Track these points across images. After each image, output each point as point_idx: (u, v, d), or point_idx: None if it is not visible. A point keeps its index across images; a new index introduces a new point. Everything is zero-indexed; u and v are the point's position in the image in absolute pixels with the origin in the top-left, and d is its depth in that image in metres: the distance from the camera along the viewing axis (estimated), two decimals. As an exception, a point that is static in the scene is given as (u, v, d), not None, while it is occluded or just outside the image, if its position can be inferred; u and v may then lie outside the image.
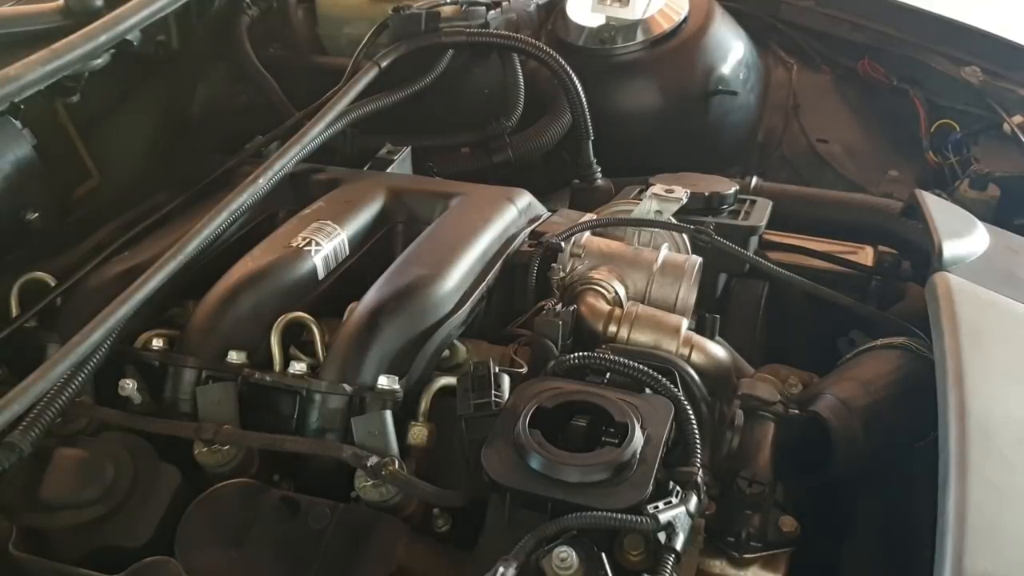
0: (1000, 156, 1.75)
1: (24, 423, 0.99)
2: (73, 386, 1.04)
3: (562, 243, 1.33)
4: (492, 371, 1.07)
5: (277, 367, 1.14)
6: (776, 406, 1.19)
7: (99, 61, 1.37)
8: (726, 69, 1.98)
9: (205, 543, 0.97)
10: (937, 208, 1.45)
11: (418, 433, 1.08)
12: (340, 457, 1.02)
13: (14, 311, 1.19)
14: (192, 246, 1.16)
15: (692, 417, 1.05)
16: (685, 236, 1.44)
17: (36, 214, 1.37)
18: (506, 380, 1.08)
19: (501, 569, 0.86)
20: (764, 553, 1.12)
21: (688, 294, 1.31)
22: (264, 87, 1.77)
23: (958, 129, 1.82)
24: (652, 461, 0.96)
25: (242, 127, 1.69)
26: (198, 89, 1.80)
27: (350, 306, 1.19)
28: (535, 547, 0.90)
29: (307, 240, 1.27)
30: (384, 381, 1.08)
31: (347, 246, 1.32)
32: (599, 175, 1.82)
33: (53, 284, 1.23)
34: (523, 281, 1.32)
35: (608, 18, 2.00)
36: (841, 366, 1.30)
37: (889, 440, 1.19)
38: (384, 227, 1.42)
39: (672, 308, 1.30)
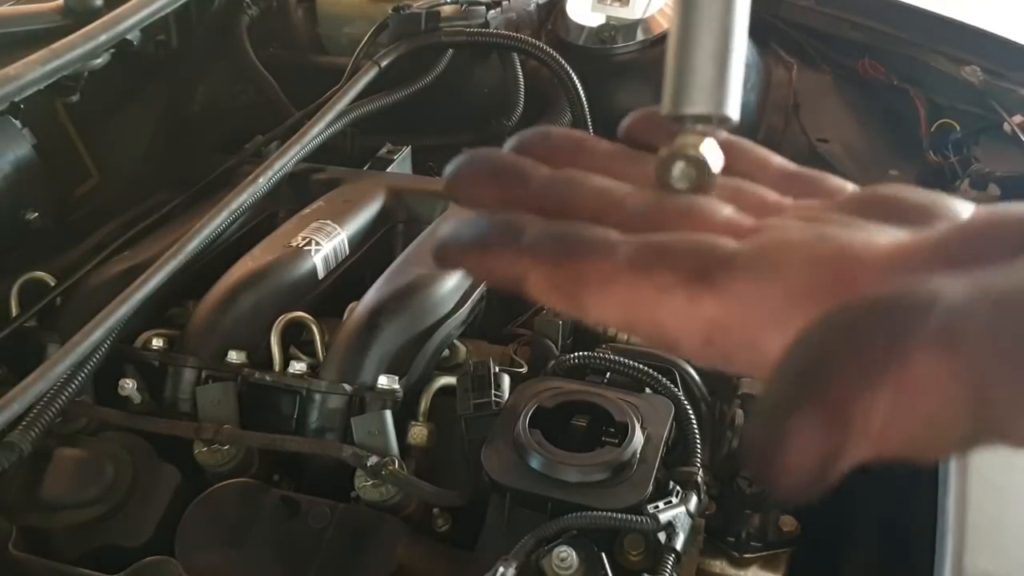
0: (1000, 156, 1.74)
1: (24, 423, 0.99)
2: (73, 386, 1.04)
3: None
4: (492, 371, 1.07)
5: (277, 367, 1.14)
6: (776, 406, 1.19)
7: (99, 61, 1.37)
8: (726, 69, 1.98)
9: (205, 543, 0.97)
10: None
11: (418, 433, 1.08)
12: (340, 457, 1.02)
13: (14, 311, 1.19)
14: (192, 246, 1.16)
15: (692, 417, 1.05)
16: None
17: (36, 214, 1.37)
18: (506, 380, 1.08)
19: (501, 569, 0.86)
20: (764, 553, 1.12)
21: (688, 294, 1.31)
22: (264, 87, 1.77)
23: (958, 129, 1.81)
24: (652, 461, 0.96)
25: (242, 127, 1.69)
26: (198, 89, 1.80)
27: (350, 306, 1.19)
28: (535, 547, 0.90)
29: (307, 240, 1.27)
30: (384, 381, 1.08)
31: (347, 246, 1.32)
32: (599, 175, 1.81)
33: (53, 284, 1.23)
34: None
35: (608, 18, 1.99)
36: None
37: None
38: (384, 227, 1.42)
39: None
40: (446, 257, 0.32)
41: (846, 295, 0.25)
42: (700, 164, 0.33)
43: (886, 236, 0.28)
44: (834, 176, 0.36)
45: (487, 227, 0.32)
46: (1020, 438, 0.23)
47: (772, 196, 0.35)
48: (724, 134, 0.36)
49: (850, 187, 0.35)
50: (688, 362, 1.19)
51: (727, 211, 0.32)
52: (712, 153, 0.33)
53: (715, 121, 0.33)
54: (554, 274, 0.30)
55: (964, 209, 0.31)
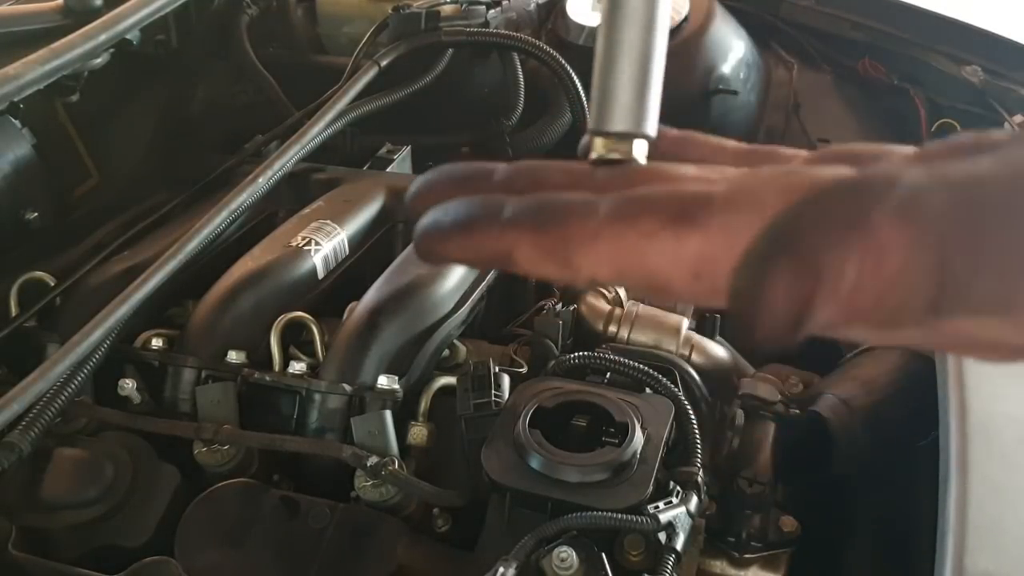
0: (1001, 155, 1.74)
1: (24, 423, 0.99)
2: (72, 386, 1.04)
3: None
4: (492, 371, 1.07)
5: (277, 367, 1.13)
6: (777, 406, 1.19)
7: (99, 60, 1.37)
8: (727, 68, 1.98)
9: (205, 543, 0.97)
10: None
11: (418, 433, 1.08)
12: (340, 457, 1.02)
13: (13, 311, 1.19)
14: (192, 245, 1.16)
15: (692, 417, 1.05)
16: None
17: (35, 213, 1.37)
18: (506, 380, 1.08)
19: (501, 569, 0.86)
20: (764, 553, 1.12)
21: (688, 294, 1.31)
22: (263, 86, 1.77)
23: (959, 128, 1.81)
24: (652, 461, 0.96)
25: (242, 126, 1.69)
26: (198, 88, 1.80)
27: (350, 306, 1.19)
28: (535, 547, 0.90)
29: (307, 240, 1.27)
30: (384, 381, 1.08)
31: (347, 246, 1.32)
32: (599, 174, 1.81)
33: (52, 284, 1.23)
34: (523, 280, 1.32)
35: (608, 17, 1.99)
36: (842, 366, 1.30)
37: (890, 439, 1.18)
38: (384, 226, 1.41)
39: (672, 308, 1.30)
40: (429, 248, 0.33)
41: None
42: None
43: (850, 170, 0.30)
44: (785, 148, 0.38)
45: (467, 208, 0.32)
46: (979, 302, 0.26)
47: (731, 170, 0.37)
48: (674, 131, 0.39)
49: (804, 153, 0.37)
50: (688, 362, 1.20)
51: (692, 170, 0.34)
52: (636, 149, 0.35)
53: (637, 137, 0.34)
54: (541, 241, 0.31)
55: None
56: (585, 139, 0.37)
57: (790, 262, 0.25)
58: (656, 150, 0.36)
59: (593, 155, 0.35)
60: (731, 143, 0.39)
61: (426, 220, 0.33)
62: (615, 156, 0.34)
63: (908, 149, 0.34)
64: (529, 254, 0.31)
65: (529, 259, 0.32)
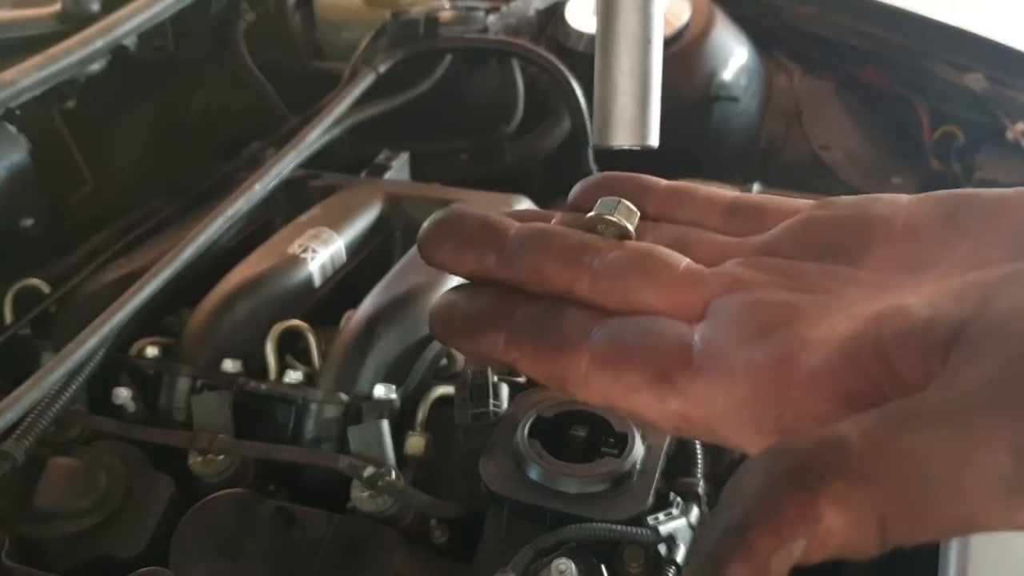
0: (1003, 163, 1.74)
1: (18, 432, 0.98)
2: (67, 394, 1.03)
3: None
4: (490, 380, 1.06)
5: (272, 376, 1.13)
6: (778, 415, 1.18)
7: (95, 66, 1.36)
8: (727, 75, 1.98)
9: (200, 553, 0.96)
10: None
11: (415, 443, 1.07)
12: (336, 467, 1.01)
13: (8, 318, 1.18)
14: (188, 253, 1.15)
15: (693, 427, 1.04)
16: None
17: (31, 220, 1.36)
18: (504, 389, 1.07)
19: (499, 581, 0.85)
20: (766, 564, 1.11)
21: (689, 302, 1.30)
22: (261, 92, 1.76)
23: (961, 136, 1.80)
24: (652, 472, 0.95)
25: (239, 132, 1.68)
26: (195, 94, 1.79)
27: (347, 314, 1.18)
28: (534, 558, 0.89)
29: (303, 247, 1.26)
30: (381, 390, 1.07)
31: (344, 253, 1.31)
32: (599, 182, 1.80)
33: (47, 291, 1.22)
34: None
35: (608, 24, 1.99)
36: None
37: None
38: (382, 234, 1.41)
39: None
40: (442, 335, 0.37)
41: (778, 405, 0.32)
42: (619, 226, 0.38)
43: (818, 330, 0.32)
44: (774, 200, 0.42)
45: (476, 310, 0.36)
46: (924, 537, 0.29)
47: (718, 238, 0.40)
48: (665, 183, 0.42)
49: (788, 206, 0.41)
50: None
51: (685, 262, 0.37)
52: (627, 214, 0.39)
53: (639, 148, 0.37)
54: (538, 368, 0.36)
55: (896, 210, 0.37)
56: (579, 188, 0.41)
57: (744, 566, 0.27)
58: (647, 209, 0.40)
59: (592, 213, 0.38)
60: (720, 197, 0.42)
61: (440, 307, 0.37)
62: (610, 218, 0.38)
63: (887, 213, 0.37)
64: (529, 371, 0.36)
65: (530, 376, 0.36)
